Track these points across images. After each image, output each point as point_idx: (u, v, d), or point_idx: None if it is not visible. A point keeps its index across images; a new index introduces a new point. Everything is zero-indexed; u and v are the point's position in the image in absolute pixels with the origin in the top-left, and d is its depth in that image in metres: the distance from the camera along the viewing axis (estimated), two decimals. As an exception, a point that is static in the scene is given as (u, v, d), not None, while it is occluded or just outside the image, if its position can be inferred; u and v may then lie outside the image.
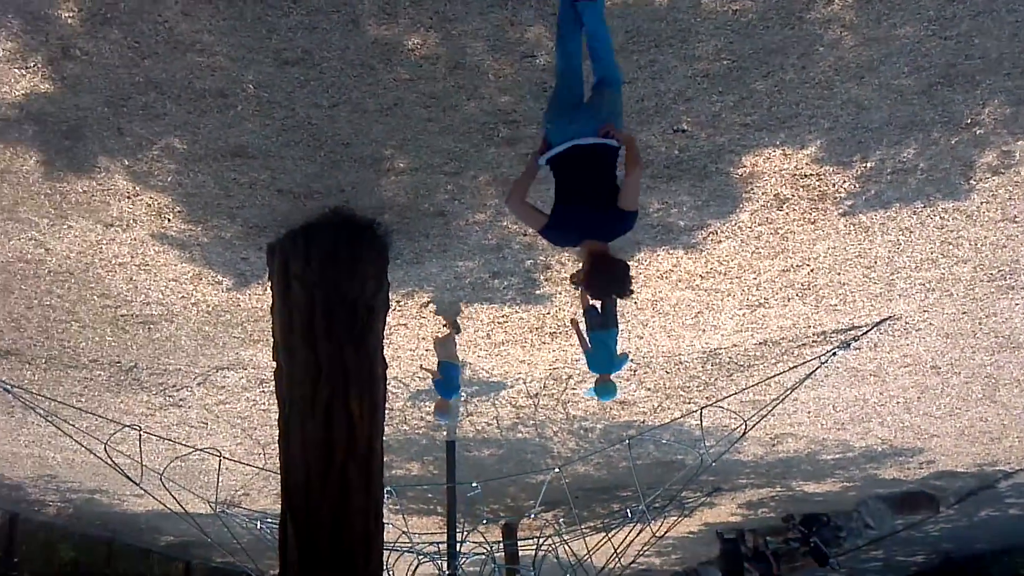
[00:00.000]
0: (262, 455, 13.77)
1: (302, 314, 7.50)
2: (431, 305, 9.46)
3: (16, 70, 5.88)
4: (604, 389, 8.72)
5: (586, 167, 5.04)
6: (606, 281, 5.25)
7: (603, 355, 8.56)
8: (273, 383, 11.08)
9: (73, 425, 11.44)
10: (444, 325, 9.76)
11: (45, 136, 6.54)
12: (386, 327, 8.13)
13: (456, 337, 9.78)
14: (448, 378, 9.50)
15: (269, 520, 15.22)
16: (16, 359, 10.52)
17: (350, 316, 7.55)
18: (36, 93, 6.09)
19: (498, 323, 9.91)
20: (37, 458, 14.48)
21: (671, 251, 8.59)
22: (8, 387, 10.65)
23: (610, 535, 14.23)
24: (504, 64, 6.01)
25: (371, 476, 7.32)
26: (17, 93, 6.09)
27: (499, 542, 17.19)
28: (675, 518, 15.78)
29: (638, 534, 13.81)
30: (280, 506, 7.38)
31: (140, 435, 11.15)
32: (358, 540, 7.07)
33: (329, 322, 7.47)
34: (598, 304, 8.34)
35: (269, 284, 8.06)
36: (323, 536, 7.01)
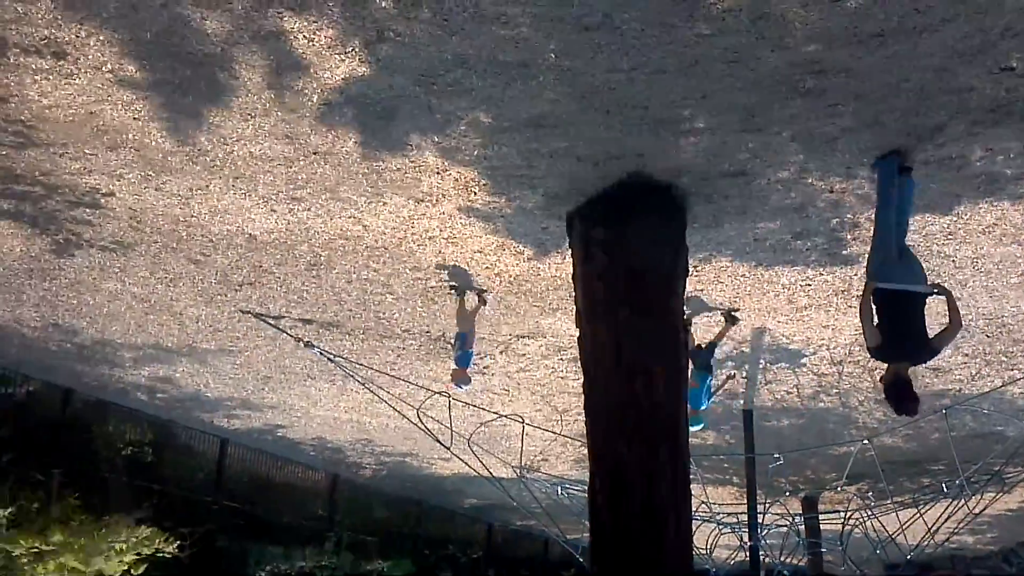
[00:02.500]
0: (560, 422, 14.09)
1: (603, 281, 7.54)
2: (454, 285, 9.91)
3: (336, 56, 6.27)
4: (693, 420, 9.94)
5: (910, 306, 6.92)
6: (902, 400, 6.96)
7: (696, 392, 10.15)
8: (571, 351, 11.36)
9: (388, 392, 12.22)
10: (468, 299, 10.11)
11: (362, 117, 6.95)
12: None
13: (477, 308, 10.14)
14: (464, 347, 10.16)
15: (568, 485, 15.59)
16: (337, 330, 11.36)
17: (650, 282, 7.50)
18: (354, 77, 6.47)
19: (800, 287, 9.51)
20: (355, 423, 15.64)
21: (995, 203, 7.83)
22: (331, 356, 11.53)
23: (922, 511, 13.37)
24: (812, 10, 5.68)
25: (676, 442, 7.26)
26: (337, 78, 6.50)
27: (799, 515, 16.64)
28: (993, 494, 14.58)
29: (954, 511, 12.88)
30: (588, 471, 7.49)
31: (449, 401, 11.72)
32: (667, 506, 7.04)
33: (630, 288, 7.46)
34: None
35: (569, 252, 8.18)
36: (633, 500, 7.04)
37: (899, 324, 6.86)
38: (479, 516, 23.59)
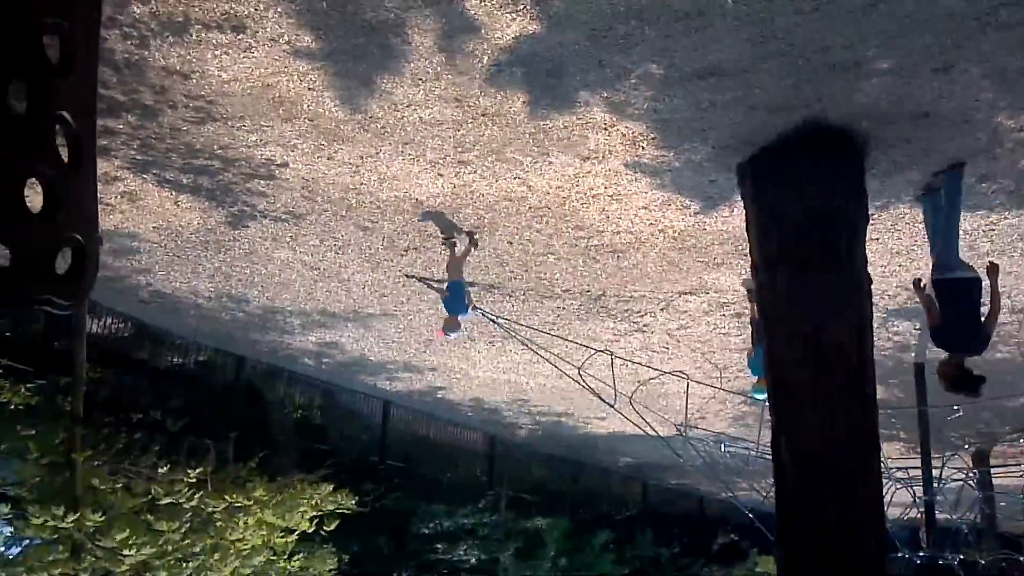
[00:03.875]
0: (720, 378, 13.90)
1: (780, 232, 7.34)
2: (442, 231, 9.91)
3: (508, 15, 6.25)
4: (759, 390, 10.88)
5: (968, 294, 7.55)
6: (964, 385, 7.55)
7: (757, 362, 10.55)
8: (734, 306, 11.15)
9: (548, 352, 12.29)
10: (454, 244, 10.05)
11: (531, 76, 6.92)
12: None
13: (466, 253, 10.08)
14: (456, 295, 10.15)
15: (728, 443, 15.41)
16: (498, 292, 11.47)
17: (830, 231, 7.26)
18: (524, 35, 6.44)
19: (983, 232, 9.04)
20: (513, 384, 15.82)
21: None
22: (493, 317, 11.65)
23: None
24: (1013, -67, 5.33)
25: (864, 394, 7.04)
26: (508, 37, 6.48)
27: (972, 469, 15.97)
28: None
29: None
30: (753, 428, 7.36)
31: (612, 359, 11.69)
32: (856, 463, 6.85)
33: (808, 238, 7.24)
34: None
35: (741, 204, 7.99)
36: (820, 459, 6.88)
37: (961, 314, 7.51)
38: (634, 475, 23.61)
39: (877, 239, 9.23)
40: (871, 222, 8.58)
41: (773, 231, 7.37)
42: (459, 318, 10.41)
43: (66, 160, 5.14)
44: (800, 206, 7.31)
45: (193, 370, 15.01)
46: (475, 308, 11.18)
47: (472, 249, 10.10)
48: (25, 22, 4.85)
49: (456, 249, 10.15)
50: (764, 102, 6.98)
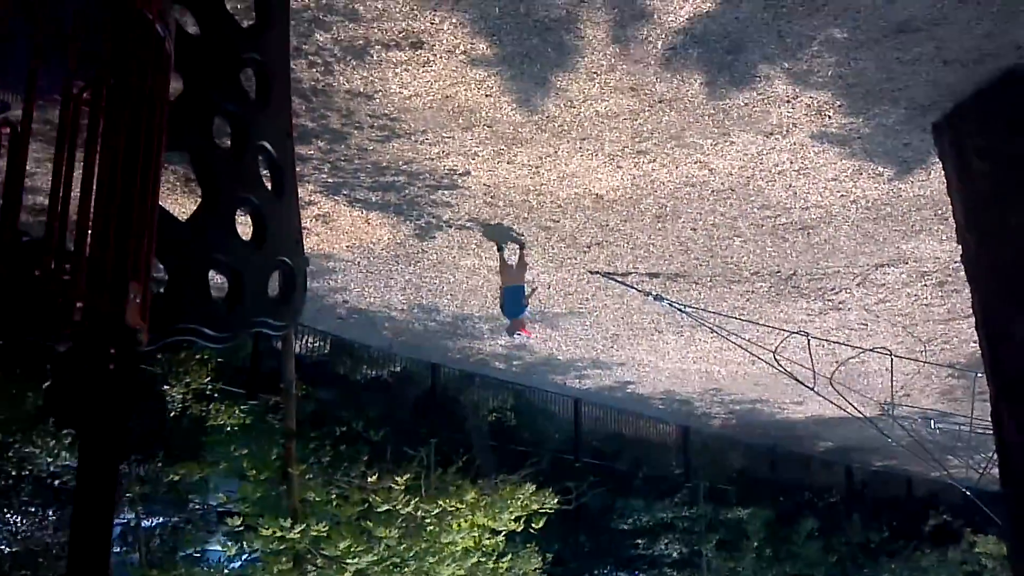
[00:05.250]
0: (924, 352, 13.24)
1: (987, 188, 6.92)
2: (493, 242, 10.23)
3: (680, -3, 6.17)
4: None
5: None
6: None
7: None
8: (936, 275, 10.60)
9: (739, 337, 12.03)
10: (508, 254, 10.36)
11: (707, 56, 6.80)
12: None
13: (524, 262, 10.39)
14: (512, 300, 10.37)
15: (937, 419, 14.68)
16: (684, 280, 11.31)
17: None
18: (698, 15, 6.33)
19: None
20: (704, 373, 15.57)
21: None
22: (680, 307, 11.51)
23: None
24: None
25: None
26: (681, 18, 6.39)
27: None
28: None
29: None
30: (990, 402, 6.96)
31: (808, 340, 11.33)
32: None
33: (1018, 191, 6.79)
34: None
35: (940, 165, 7.58)
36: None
37: None
38: (835, 459, 22.80)
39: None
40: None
41: (979, 187, 6.95)
42: (518, 321, 10.66)
43: (269, 188, 5.41)
44: (1006, 158, 6.87)
45: (389, 381, 15.50)
46: (660, 298, 11.10)
47: (524, 254, 10.41)
48: (225, 58, 5.12)
49: (507, 256, 10.38)
50: (959, 55, 6.61)
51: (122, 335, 2.87)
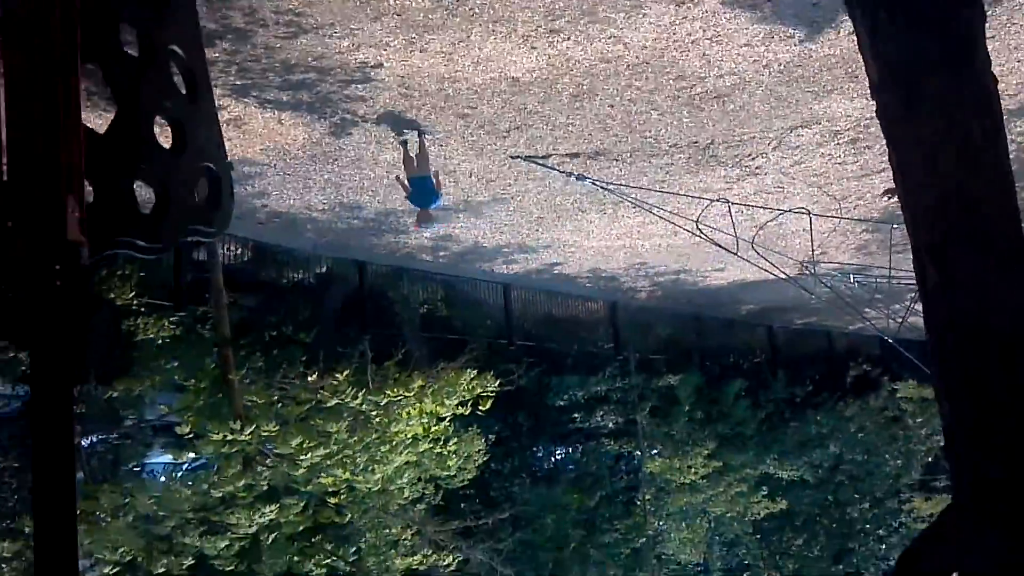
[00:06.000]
0: (839, 209, 13.62)
1: (896, 45, 7.04)
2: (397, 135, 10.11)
3: None
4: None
5: None
6: None
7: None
8: (848, 133, 10.85)
9: (662, 210, 12.23)
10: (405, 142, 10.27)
11: (616, -73, 6.73)
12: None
13: (426, 151, 10.26)
14: (421, 191, 10.31)
15: (855, 274, 15.21)
16: (604, 158, 11.38)
17: (947, 38, 6.91)
18: None
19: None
20: (628, 249, 15.82)
21: None
22: (602, 185, 11.61)
23: None
24: None
25: (1007, 204, 6.82)
26: None
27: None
28: None
29: None
30: (912, 252, 7.20)
31: (729, 207, 11.57)
32: (1003, 262, 6.69)
33: (927, 46, 6.93)
34: None
35: (848, 25, 7.69)
36: (964, 262, 6.73)
37: None
38: (757, 321, 23.53)
39: (993, 37, 8.79)
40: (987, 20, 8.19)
41: (888, 44, 7.07)
42: (430, 210, 10.71)
43: (184, 93, 5.26)
44: (911, 15, 6.98)
45: (315, 283, 15.45)
46: (582, 177, 11.19)
47: (424, 144, 10.28)
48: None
49: (409, 148, 10.31)
50: (864, -90, 6.63)
51: (65, 250, 2.83)
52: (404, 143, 10.36)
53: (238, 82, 8.74)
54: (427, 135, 10.29)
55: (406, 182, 10.59)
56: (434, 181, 10.55)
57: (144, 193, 4.78)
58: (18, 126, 2.87)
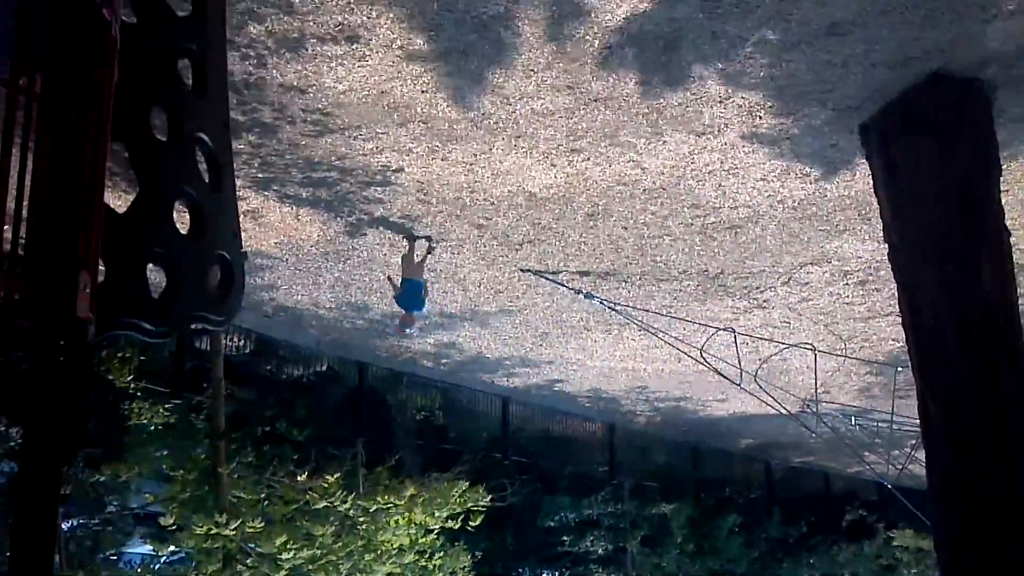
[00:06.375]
0: (844, 349, 13.58)
1: (911, 188, 7.14)
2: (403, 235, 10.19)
3: (618, -4, 6.23)
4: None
5: None
6: None
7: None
8: (857, 274, 10.89)
9: (667, 335, 12.20)
10: (417, 248, 10.34)
11: (643, 56, 6.88)
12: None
13: (425, 256, 10.41)
14: (411, 294, 10.34)
15: (856, 416, 15.06)
16: (614, 279, 11.42)
17: (966, 181, 7.03)
18: (635, 15, 6.40)
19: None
20: (631, 371, 15.74)
21: None
22: (610, 305, 11.62)
23: None
24: None
25: (1014, 348, 6.79)
26: (618, 17, 6.46)
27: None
28: None
29: None
30: (916, 389, 7.16)
31: (735, 338, 11.54)
32: (1011, 411, 6.61)
33: (944, 191, 7.02)
34: None
35: (864, 167, 7.81)
36: (969, 411, 6.67)
37: None
38: (756, 455, 23.25)
39: (1007, 191, 8.91)
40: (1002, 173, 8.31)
41: (904, 187, 7.17)
42: (414, 315, 10.77)
43: (207, 180, 5.31)
44: (929, 160, 7.10)
45: (315, 380, 15.33)
46: (590, 296, 11.23)
47: (430, 252, 10.46)
48: (161, 47, 5.01)
49: (414, 251, 10.40)
50: (885, 58, 6.81)
51: (72, 327, 2.80)
52: (413, 240, 10.41)
53: (260, 175, 8.85)
54: (438, 243, 10.37)
55: (397, 282, 10.65)
56: (424, 289, 10.64)
57: (155, 276, 4.78)
58: (42, 198, 2.87)
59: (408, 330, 11.21)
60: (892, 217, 7.30)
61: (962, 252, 6.92)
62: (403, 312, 10.82)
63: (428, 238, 10.35)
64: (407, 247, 10.46)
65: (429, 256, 10.54)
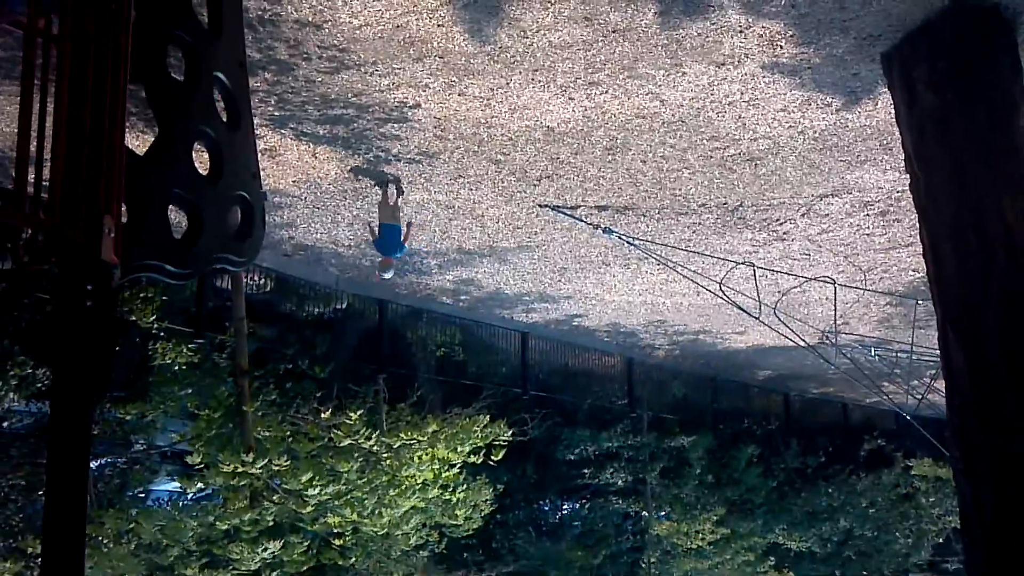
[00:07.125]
0: (864, 280, 13.53)
1: (934, 118, 7.04)
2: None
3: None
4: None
5: None
6: None
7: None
8: (878, 205, 10.81)
9: (686, 269, 12.18)
10: (390, 193, 10.36)
11: (662, -14, 6.77)
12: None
13: (399, 200, 10.43)
14: (390, 238, 10.42)
15: (876, 346, 15.07)
16: (632, 213, 11.37)
17: (989, 111, 6.93)
18: (654, -56, 6.28)
19: None
20: (649, 305, 15.76)
21: None
22: (629, 239, 11.59)
23: None
24: None
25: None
26: (637, -52, 6.34)
27: None
28: None
29: None
30: (936, 320, 7.14)
31: (754, 271, 11.51)
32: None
33: (967, 121, 6.92)
34: None
35: (888, 96, 7.69)
36: (991, 345, 6.66)
37: None
38: (774, 387, 23.33)
39: (1033, 118, 8.78)
40: None
41: (927, 117, 7.07)
42: (392, 259, 10.83)
43: (224, 119, 5.29)
44: (953, 88, 6.99)
45: (335, 318, 15.41)
46: (608, 231, 11.20)
47: (400, 195, 10.46)
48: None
49: (388, 195, 10.41)
50: (911, -16, 6.67)
51: (98, 270, 2.81)
52: (385, 187, 10.44)
53: (276, 113, 8.81)
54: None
55: (376, 228, 10.70)
56: (404, 232, 10.70)
57: (176, 217, 4.79)
58: (64, 141, 2.87)
59: (385, 275, 11.27)
60: (914, 147, 7.21)
61: (984, 182, 6.85)
62: (381, 257, 10.92)
63: (396, 180, 10.35)
64: (380, 193, 10.50)
65: (400, 200, 10.55)
